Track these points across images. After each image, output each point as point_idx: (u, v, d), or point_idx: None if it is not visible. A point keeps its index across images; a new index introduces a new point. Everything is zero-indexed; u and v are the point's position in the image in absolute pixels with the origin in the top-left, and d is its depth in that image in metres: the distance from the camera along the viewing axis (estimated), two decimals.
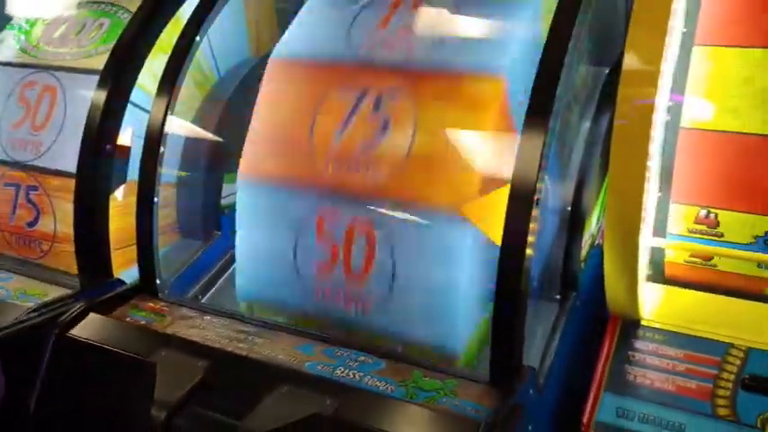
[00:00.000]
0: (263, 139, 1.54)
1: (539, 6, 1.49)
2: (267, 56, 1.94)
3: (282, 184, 1.50)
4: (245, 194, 1.53)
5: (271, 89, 1.57)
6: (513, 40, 1.44)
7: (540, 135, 1.16)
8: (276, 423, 1.11)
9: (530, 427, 1.22)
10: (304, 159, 1.47)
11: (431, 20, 1.52)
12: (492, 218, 1.25)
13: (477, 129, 1.37)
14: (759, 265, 1.39)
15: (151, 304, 1.48)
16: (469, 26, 1.51)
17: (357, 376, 1.23)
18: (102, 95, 1.56)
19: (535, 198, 1.16)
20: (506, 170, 1.21)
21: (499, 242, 1.20)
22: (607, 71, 1.61)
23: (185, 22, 1.71)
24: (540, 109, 1.18)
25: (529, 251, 1.17)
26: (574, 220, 1.50)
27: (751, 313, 1.46)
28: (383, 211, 1.40)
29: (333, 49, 1.55)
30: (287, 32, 1.63)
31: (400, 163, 1.39)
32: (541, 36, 1.42)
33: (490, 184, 1.35)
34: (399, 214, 1.38)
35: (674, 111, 1.36)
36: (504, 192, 1.20)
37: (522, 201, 1.17)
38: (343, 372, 1.25)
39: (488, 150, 1.36)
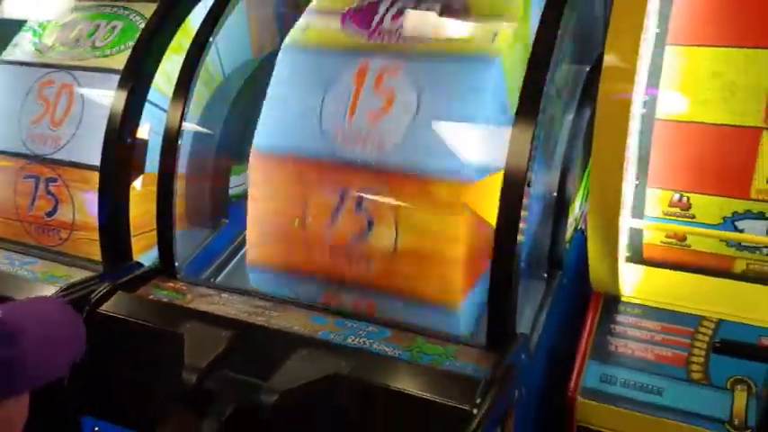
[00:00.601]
0: (263, 232, 1.65)
1: (499, 72, 1.51)
2: (268, 56, 2.07)
3: (287, 271, 1.62)
4: (256, 280, 1.66)
5: (258, 183, 1.66)
6: (478, 141, 1.49)
7: (530, 127, 1.29)
8: (298, 382, 1.22)
9: (522, 389, 1.35)
10: (302, 249, 1.59)
11: (397, 112, 1.54)
12: (487, 202, 1.38)
13: (452, 228, 1.47)
14: (728, 244, 1.54)
15: (171, 284, 1.59)
16: (435, 126, 1.51)
17: (367, 343, 1.36)
18: (123, 94, 1.67)
19: (526, 185, 1.29)
20: (485, 263, 1.33)
21: (494, 224, 1.34)
22: (588, 69, 1.75)
23: (198, 24, 1.83)
24: (529, 104, 1.31)
25: (520, 237, 1.31)
26: (559, 205, 1.63)
27: (721, 289, 1.59)
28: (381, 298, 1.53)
29: (310, 146, 1.59)
30: (262, 118, 1.67)
31: (388, 257, 1.51)
32: (508, 100, 1.53)
33: (472, 272, 1.49)
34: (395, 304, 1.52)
35: (650, 104, 1.49)
36: (498, 178, 1.34)
37: (513, 188, 1.30)
38: (353, 339, 1.37)
39: (466, 244, 1.47)
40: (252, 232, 1.65)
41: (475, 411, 1.15)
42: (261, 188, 1.64)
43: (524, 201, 1.29)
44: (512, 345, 1.32)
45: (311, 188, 1.58)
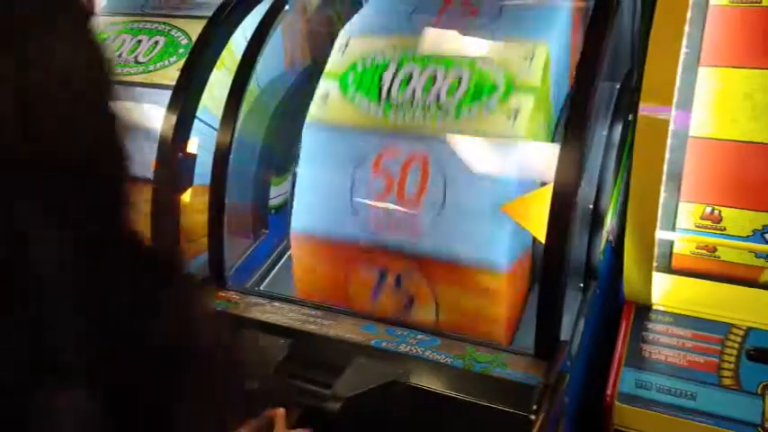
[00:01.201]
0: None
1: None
2: (301, 71, 2.14)
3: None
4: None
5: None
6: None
7: (580, 142, 1.36)
8: (361, 388, 1.29)
9: (570, 392, 1.42)
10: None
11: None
12: (534, 216, 1.45)
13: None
14: (756, 255, 1.61)
15: (222, 293, 1.65)
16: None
17: (419, 351, 1.42)
18: (175, 110, 1.73)
19: (575, 202, 1.36)
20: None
21: (540, 237, 1.41)
22: (618, 86, 1.83)
23: (236, 42, 1.90)
24: (577, 121, 1.38)
25: (568, 246, 1.38)
26: (594, 219, 1.70)
27: (749, 298, 1.66)
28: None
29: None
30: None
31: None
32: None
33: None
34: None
35: (683, 122, 1.57)
36: (544, 193, 1.41)
37: (563, 207, 1.36)
38: (406, 347, 1.43)
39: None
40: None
41: (533, 417, 1.22)
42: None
43: (573, 219, 1.36)
44: (560, 352, 1.39)
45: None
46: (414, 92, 1.61)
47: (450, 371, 1.35)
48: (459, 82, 1.58)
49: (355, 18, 1.82)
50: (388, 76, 1.64)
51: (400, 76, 1.64)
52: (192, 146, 1.78)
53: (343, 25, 1.92)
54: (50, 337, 0.46)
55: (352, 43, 1.72)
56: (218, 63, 1.92)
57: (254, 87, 2.10)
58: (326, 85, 1.72)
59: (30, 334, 0.45)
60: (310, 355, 1.41)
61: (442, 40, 1.69)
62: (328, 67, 1.74)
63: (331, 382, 1.31)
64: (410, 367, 1.34)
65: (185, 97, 1.74)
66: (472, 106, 1.56)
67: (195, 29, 1.93)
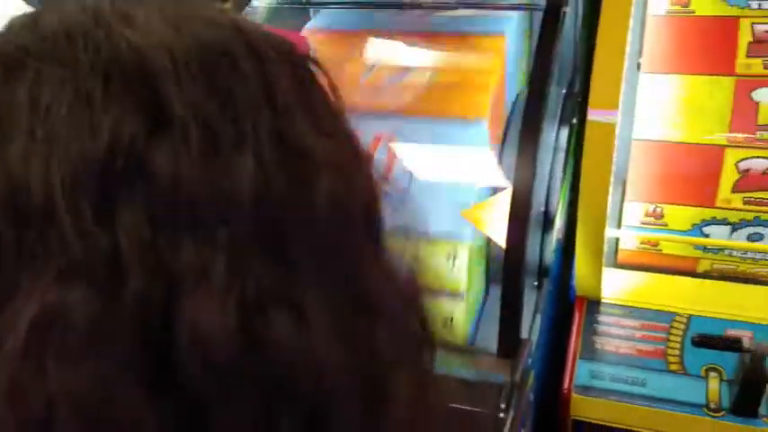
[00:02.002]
0: None
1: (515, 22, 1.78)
2: None
3: None
4: None
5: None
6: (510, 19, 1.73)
7: (535, 145, 1.42)
8: None
9: (534, 388, 1.49)
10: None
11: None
12: (493, 222, 1.51)
13: (486, 66, 1.64)
14: (695, 247, 1.72)
15: None
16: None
17: None
18: None
19: (531, 205, 1.43)
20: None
21: (500, 242, 1.46)
22: (564, 91, 1.90)
23: None
24: (532, 125, 1.44)
25: (526, 247, 1.44)
26: (546, 220, 1.77)
27: (690, 287, 1.78)
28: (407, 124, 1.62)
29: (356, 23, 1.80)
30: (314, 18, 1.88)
31: (421, 89, 1.64)
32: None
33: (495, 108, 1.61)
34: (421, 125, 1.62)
35: (626, 126, 1.66)
36: (502, 199, 1.46)
37: (521, 207, 1.42)
38: None
39: (494, 79, 1.63)
40: None
41: (502, 416, 1.28)
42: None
43: (530, 221, 1.42)
44: (522, 351, 1.45)
45: (353, 49, 1.71)
46: None
47: None
48: None
49: None
50: None
51: None
52: None
53: None
54: None
55: None
56: None
57: None
58: None
59: None
60: None
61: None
62: None
63: None
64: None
65: None
66: None
67: None
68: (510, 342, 1.46)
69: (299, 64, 0.46)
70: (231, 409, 0.37)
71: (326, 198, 0.41)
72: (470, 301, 1.61)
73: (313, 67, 0.47)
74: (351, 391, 0.41)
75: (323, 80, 0.48)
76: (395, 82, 1.66)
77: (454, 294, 1.56)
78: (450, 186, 1.56)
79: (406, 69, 1.68)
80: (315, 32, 1.82)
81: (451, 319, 1.58)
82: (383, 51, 1.72)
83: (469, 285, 1.58)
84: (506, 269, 1.44)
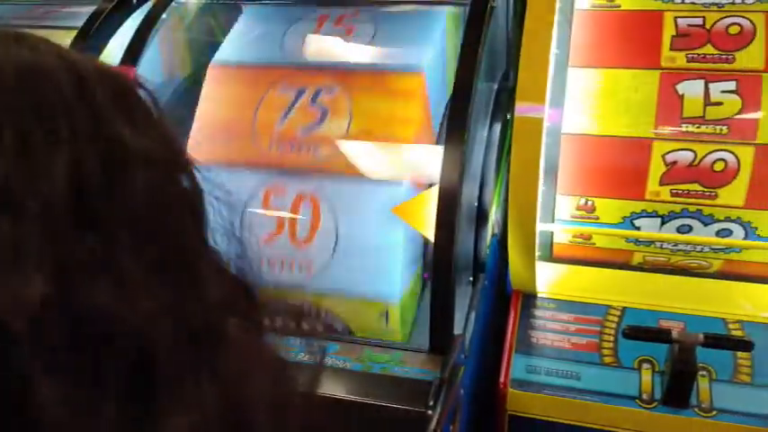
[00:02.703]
0: (206, 133, 1.70)
1: (443, 22, 1.77)
2: (181, 82, 2.09)
3: (228, 166, 1.65)
4: None
5: (211, 91, 1.74)
6: (428, 46, 1.70)
7: (461, 144, 1.42)
8: None
9: (465, 384, 1.48)
10: (248, 144, 1.65)
11: (355, 31, 1.76)
12: (421, 217, 1.50)
13: (404, 114, 1.62)
14: (627, 240, 1.73)
15: None
16: (390, 36, 1.75)
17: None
18: None
19: (459, 202, 1.42)
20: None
21: (429, 236, 1.46)
22: (495, 87, 1.91)
23: (113, 52, 1.84)
24: (458, 123, 1.44)
25: (456, 244, 1.43)
26: (479, 215, 1.77)
27: (623, 280, 1.80)
28: (326, 181, 1.61)
29: (270, 57, 1.74)
30: (224, 44, 1.81)
31: (340, 141, 1.62)
32: (447, 49, 1.72)
33: (420, 155, 1.61)
34: (342, 183, 1.60)
35: (555, 119, 1.66)
36: (431, 194, 1.46)
37: (448, 206, 1.42)
38: (305, 357, 1.44)
39: (413, 129, 1.62)
40: (195, 134, 1.70)
41: (429, 413, 1.27)
42: (213, 94, 1.74)
43: (458, 218, 1.42)
44: (453, 346, 1.44)
45: (268, 87, 1.68)
46: None
47: (348, 375, 1.38)
48: None
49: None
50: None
51: None
52: None
53: (223, 34, 1.91)
54: None
55: None
56: None
57: None
58: None
59: None
60: None
61: None
62: None
63: None
64: (309, 375, 1.35)
65: None
66: None
67: (64, 41, 1.85)
68: (441, 338, 1.46)
69: (118, 80, 0.54)
70: (55, 367, 0.42)
71: (142, 183, 0.48)
72: (405, 336, 1.64)
73: (134, 86, 0.56)
74: (177, 340, 0.47)
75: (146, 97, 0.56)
76: (311, 132, 1.64)
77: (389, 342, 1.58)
78: (378, 246, 1.56)
79: (322, 116, 1.64)
80: (224, 68, 1.77)
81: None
82: (295, 92, 1.68)
83: (404, 329, 1.61)
84: (435, 266, 1.43)
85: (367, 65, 1.71)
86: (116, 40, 1.87)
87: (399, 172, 1.58)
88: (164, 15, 1.85)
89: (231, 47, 1.81)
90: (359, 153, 1.60)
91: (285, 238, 1.60)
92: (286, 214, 1.60)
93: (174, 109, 1.92)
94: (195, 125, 1.72)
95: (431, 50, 1.70)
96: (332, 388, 1.35)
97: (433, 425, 1.23)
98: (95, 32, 1.79)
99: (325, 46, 1.76)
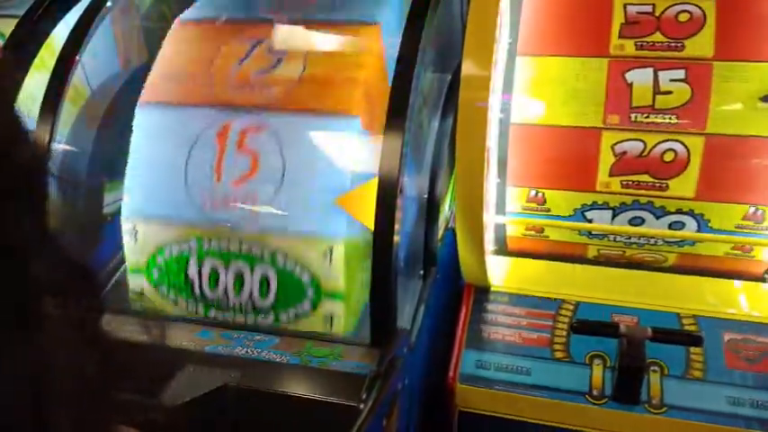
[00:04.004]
0: (162, 77, 1.67)
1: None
2: (136, 70, 2.05)
3: (180, 105, 1.63)
4: (143, 117, 1.64)
5: (172, 42, 1.72)
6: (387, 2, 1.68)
7: (400, 135, 1.38)
8: (187, 397, 1.25)
9: (405, 380, 1.44)
10: (202, 87, 1.62)
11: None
12: (364, 208, 1.46)
13: (357, 60, 1.58)
14: (580, 233, 1.70)
15: None
16: None
17: (256, 352, 1.40)
18: None
19: (399, 190, 1.38)
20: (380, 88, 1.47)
21: (371, 227, 1.42)
22: (449, 77, 1.87)
23: (60, 42, 1.80)
24: (397, 113, 1.40)
25: (396, 237, 1.40)
26: (430, 207, 1.73)
27: (577, 274, 1.76)
28: (275, 118, 1.56)
29: (232, 13, 1.73)
30: (191, 8, 1.79)
31: (292, 83, 1.58)
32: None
33: (372, 99, 1.56)
34: (291, 119, 1.55)
35: (505, 110, 1.63)
36: (373, 185, 1.42)
37: (387, 195, 1.38)
38: (242, 350, 1.41)
39: (366, 72, 1.57)
40: (152, 77, 1.68)
41: (361, 406, 1.23)
42: (174, 46, 1.72)
43: (398, 206, 1.38)
44: (393, 340, 1.41)
45: (227, 39, 1.66)
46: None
47: (284, 369, 1.34)
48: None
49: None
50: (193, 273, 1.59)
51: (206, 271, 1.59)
52: None
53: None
54: None
55: (142, 230, 1.63)
56: (39, 64, 1.81)
57: (83, 89, 2.00)
58: (136, 282, 1.66)
59: None
60: (139, 366, 1.35)
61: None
62: (129, 260, 1.66)
63: (156, 393, 1.26)
64: (243, 370, 1.32)
65: None
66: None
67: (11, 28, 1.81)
68: (381, 332, 1.42)
69: None
70: None
71: None
72: (352, 299, 1.56)
73: None
74: None
75: None
76: (264, 74, 1.60)
77: (333, 294, 1.52)
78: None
79: (277, 61, 1.62)
80: (186, 24, 1.75)
81: (331, 318, 1.54)
82: (254, 42, 1.66)
83: (349, 283, 1.54)
84: (375, 257, 1.39)
85: (325, 19, 1.68)
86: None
87: (350, 111, 1.52)
88: (109, 3, 1.80)
89: (197, 9, 1.80)
90: (310, 93, 1.55)
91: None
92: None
93: (131, 96, 1.88)
94: (153, 70, 1.69)
95: (389, 6, 1.68)
96: (265, 383, 1.31)
97: (361, 419, 1.19)
98: (38, 19, 1.75)
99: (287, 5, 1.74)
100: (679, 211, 1.60)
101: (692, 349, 1.56)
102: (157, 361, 1.36)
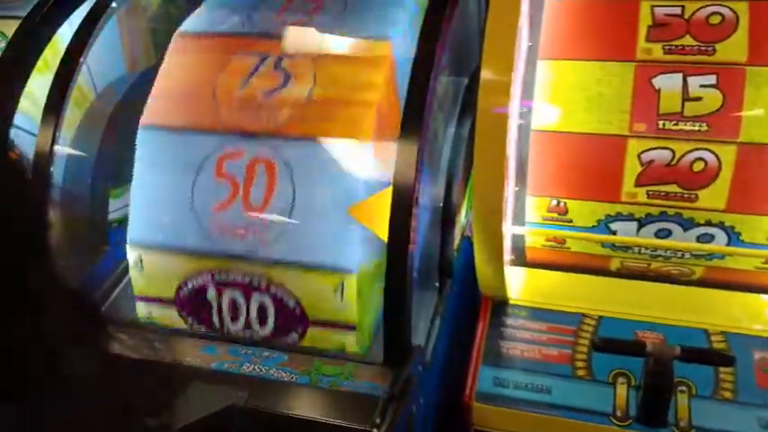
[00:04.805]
0: (165, 97, 1.60)
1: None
2: (144, 72, 2.00)
3: (184, 129, 1.56)
4: (145, 141, 1.58)
5: (174, 57, 1.65)
6: (397, 17, 1.61)
7: (415, 143, 1.32)
8: (193, 417, 1.19)
9: (420, 400, 1.38)
10: (206, 109, 1.55)
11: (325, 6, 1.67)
12: (378, 218, 1.39)
13: (369, 78, 1.51)
14: (603, 245, 1.63)
15: None
16: (360, 9, 1.66)
17: (264, 370, 1.34)
18: None
19: (415, 199, 1.32)
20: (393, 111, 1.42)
21: (385, 239, 1.35)
22: (466, 81, 1.80)
23: (65, 40, 1.74)
24: (413, 120, 1.34)
25: (411, 246, 1.33)
26: (446, 215, 1.67)
27: (599, 286, 1.69)
28: (284, 144, 1.49)
29: (235, 27, 1.65)
30: (188, 18, 1.71)
31: (301, 105, 1.50)
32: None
33: (384, 120, 1.50)
34: (300, 146, 1.49)
35: (525, 116, 1.56)
36: (388, 194, 1.35)
37: (403, 202, 1.32)
38: (249, 367, 1.35)
39: (379, 94, 1.50)
40: (154, 97, 1.61)
41: (374, 431, 1.16)
42: (176, 61, 1.65)
43: (414, 217, 1.32)
44: (408, 358, 1.34)
45: (231, 54, 1.59)
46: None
47: (293, 389, 1.28)
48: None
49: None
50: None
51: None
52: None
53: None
54: None
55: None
56: (42, 66, 1.76)
57: (88, 91, 1.95)
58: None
59: None
60: (144, 384, 1.29)
61: None
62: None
63: (160, 412, 1.20)
64: (250, 389, 1.26)
65: None
66: None
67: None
68: (395, 350, 1.36)
69: None
70: None
71: None
72: (365, 325, 1.52)
73: None
74: None
75: None
76: (272, 95, 1.53)
77: (346, 326, 1.47)
78: (334, 213, 1.45)
79: (285, 80, 1.54)
80: (187, 37, 1.67)
81: (344, 347, 1.49)
82: (259, 57, 1.58)
83: (362, 312, 1.49)
84: (389, 270, 1.33)
85: (334, 36, 1.61)
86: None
87: (362, 137, 1.46)
88: (114, 4, 1.74)
89: (197, 20, 1.72)
90: (320, 116, 1.48)
91: (239, 203, 1.50)
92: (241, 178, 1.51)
93: (138, 99, 1.82)
94: (154, 88, 1.62)
95: (400, 21, 1.61)
96: (274, 403, 1.25)
97: None
98: (41, 19, 1.70)
99: (293, 20, 1.66)
100: (708, 223, 1.52)
101: (722, 368, 1.49)
102: (161, 379, 1.31)
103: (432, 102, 1.37)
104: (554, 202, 1.59)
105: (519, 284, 1.73)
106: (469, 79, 1.78)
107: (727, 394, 1.47)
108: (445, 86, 1.73)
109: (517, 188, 1.63)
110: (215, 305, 1.52)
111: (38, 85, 1.74)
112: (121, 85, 2.00)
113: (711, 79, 1.45)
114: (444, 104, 1.74)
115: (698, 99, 1.46)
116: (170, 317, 1.58)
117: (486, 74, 1.40)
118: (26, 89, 1.72)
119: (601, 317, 1.64)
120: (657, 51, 1.48)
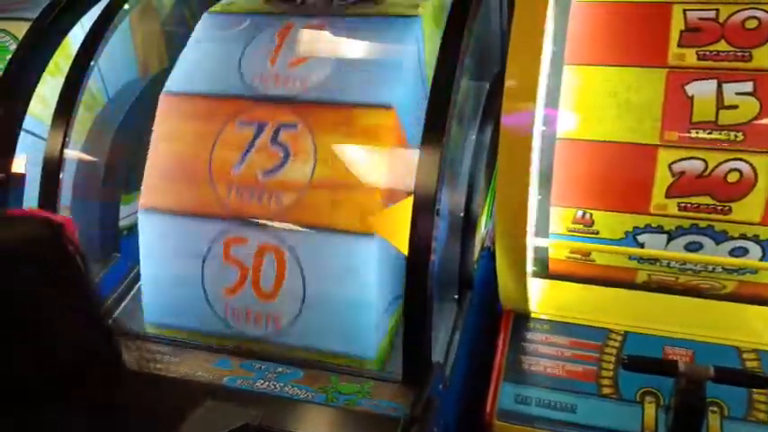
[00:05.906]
0: (161, 174, 1.55)
1: (419, 30, 1.57)
2: (155, 76, 1.95)
3: (186, 214, 1.52)
4: (147, 225, 1.54)
5: (164, 125, 1.58)
6: (400, 71, 1.51)
7: (438, 150, 1.26)
8: None
9: (441, 422, 1.32)
10: (205, 190, 1.50)
11: (319, 53, 1.58)
12: (397, 229, 1.34)
13: (374, 154, 1.45)
14: (630, 257, 1.56)
15: None
16: (356, 60, 1.56)
17: (278, 386, 1.28)
18: None
19: (436, 209, 1.26)
20: (402, 186, 1.33)
21: (404, 250, 1.30)
22: (488, 86, 1.75)
23: (77, 43, 1.71)
24: (435, 126, 1.28)
25: (432, 258, 1.28)
26: (466, 226, 1.61)
27: (626, 301, 1.63)
28: (292, 236, 1.46)
29: (226, 86, 1.56)
30: (175, 68, 1.63)
31: (303, 188, 1.45)
32: (426, 59, 1.54)
33: (389, 200, 1.44)
34: (308, 237, 1.45)
35: (550, 123, 1.50)
36: (408, 204, 1.30)
37: (424, 212, 1.26)
38: (263, 384, 1.29)
39: (386, 172, 1.44)
40: (150, 174, 1.56)
41: None
42: (167, 130, 1.58)
43: (435, 224, 1.26)
44: (429, 377, 1.28)
45: (225, 122, 1.54)
46: None
47: (309, 408, 1.22)
48: None
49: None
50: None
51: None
52: (20, 163, 1.57)
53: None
54: None
55: None
56: (53, 69, 1.72)
57: (100, 97, 1.91)
58: None
59: None
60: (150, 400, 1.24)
61: None
62: None
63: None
64: (265, 408, 1.20)
65: (6, 108, 1.53)
66: None
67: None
68: (414, 367, 1.30)
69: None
70: None
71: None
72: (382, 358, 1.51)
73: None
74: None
75: None
76: (271, 176, 1.48)
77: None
78: (347, 304, 1.43)
79: (284, 158, 1.48)
80: (177, 98, 1.60)
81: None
82: (254, 128, 1.51)
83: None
84: (408, 285, 1.27)
85: (330, 98, 1.51)
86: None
87: (369, 230, 1.41)
88: (126, 6, 1.70)
89: (184, 73, 1.62)
90: (325, 201, 1.43)
91: (249, 289, 1.48)
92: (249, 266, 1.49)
93: (149, 103, 1.78)
94: (149, 164, 1.56)
95: (403, 78, 1.51)
96: (289, 423, 1.19)
97: None
98: (52, 23, 1.66)
99: (285, 73, 1.57)
100: (743, 237, 1.45)
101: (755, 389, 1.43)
102: (173, 396, 1.26)
103: (452, 115, 1.31)
104: (580, 213, 1.53)
105: (541, 297, 1.66)
106: (491, 84, 1.72)
107: (761, 416, 1.40)
108: (466, 92, 1.68)
109: (540, 197, 1.57)
110: None
111: (48, 87, 1.71)
112: (133, 88, 1.97)
113: (748, 86, 1.39)
114: (465, 109, 1.69)
115: (733, 107, 1.40)
116: None
117: (510, 80, 1.35)
118: (36, 92, 1.68)
119: (627, 332, 1.58)
120: (690, 57, 1.41)
